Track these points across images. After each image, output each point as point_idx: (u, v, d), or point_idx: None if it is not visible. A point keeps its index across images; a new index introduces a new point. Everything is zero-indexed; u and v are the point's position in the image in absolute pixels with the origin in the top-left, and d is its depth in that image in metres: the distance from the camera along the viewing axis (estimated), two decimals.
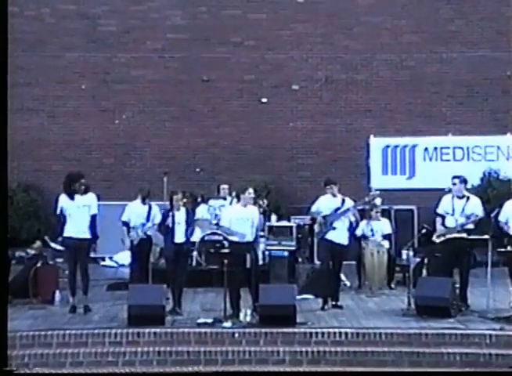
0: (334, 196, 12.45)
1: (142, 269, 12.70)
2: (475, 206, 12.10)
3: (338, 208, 12.34)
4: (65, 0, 18.80)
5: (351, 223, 12.55)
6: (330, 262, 12.34)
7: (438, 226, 12.21)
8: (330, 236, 12.29)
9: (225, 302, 11.26)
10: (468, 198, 12.15)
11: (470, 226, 12.06)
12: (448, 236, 12.03)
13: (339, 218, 12.28)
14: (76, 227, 11.72)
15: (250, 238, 11.75)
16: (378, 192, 12.90)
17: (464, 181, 12.27)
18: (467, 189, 12.58)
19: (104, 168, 18.45)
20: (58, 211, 11.84)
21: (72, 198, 11.74)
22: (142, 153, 18.72)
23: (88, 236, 11.81)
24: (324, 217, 12.35)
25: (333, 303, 12.32)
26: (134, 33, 18.80)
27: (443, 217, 12.18)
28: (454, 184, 12.20)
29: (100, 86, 18.74)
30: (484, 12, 18.50)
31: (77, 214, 11.74)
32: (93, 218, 11.87)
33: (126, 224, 12.87)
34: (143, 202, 12.97)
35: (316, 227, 12.65)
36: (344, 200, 12.42)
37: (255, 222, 11.83)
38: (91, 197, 11.93)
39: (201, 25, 18.80)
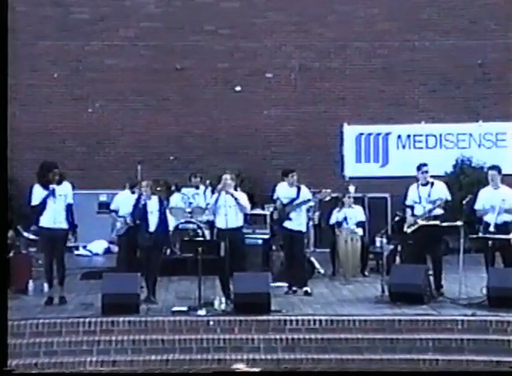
0: (291, 185, 12.49)
1: (131, 258, 12.65)
2: (440, 190, 12.23)
3: (294, 199, 12.40)
4: None
5: (308, 210, 12.67)
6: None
7: (408, 217, 12.31)
8: (287, 224, 12.40)
9: (200, 290, 11.28)
10: (432, 184, 12.26)
11: (439, 211, 12.16)
12: (419, 222, 12.12)
13: (295, 210, 12.36)
14: (52, 217, 11.64)
15: (233, 224, 11.79)
16: (329, 190, 12.91)
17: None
18: (439, 176, 12.71)
19: (77, 157, 18.36)
20: (34, 202, 11.71)
21: (47, 188, 11.66)
22: (115, 141, 18.65)
23: (64, 225, 11.73)
24: (283, 205, 12.42)
25: (304, 290, 12.39)
26: (107, 21, 18.69)
27: (412, 207, 12.29)
28: (426, 171, 12.29)
29: (73, 74, 18.63)
30: (456, 0, 18.59)
31: (53, 204, 11.66)
32: (69, 207, 11.79)
33: (114, 212, 12.90)
34: (132, 191, 12.96)
35: (275, 214, 12.74)
36: (299, 189, 12.46)
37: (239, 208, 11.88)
38: (66, 187, 11.85)
39: (175, 13, 18.73)
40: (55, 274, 11.83)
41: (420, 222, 12.13)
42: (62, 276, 11.84)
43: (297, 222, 12.42)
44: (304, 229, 12.60)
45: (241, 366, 10.23)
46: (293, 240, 12.42)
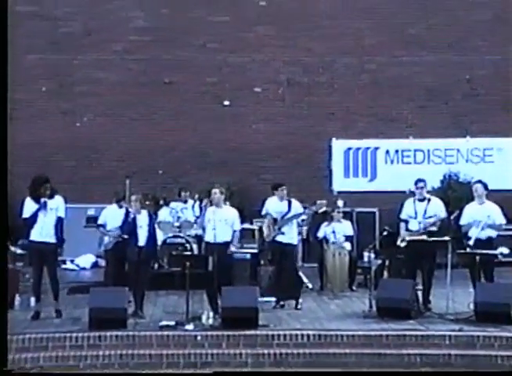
0: (281, 199, 12.51)
1: (119, 273, 12.66)
2: (437, 207, 12.25)
3: (285, 213, 12.41)
4: (26, 1, 18.66)
5: (299, 224, 12.75)
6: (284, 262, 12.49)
7: (402, 231, 12.32)
8: (279, 238, 12.43)
9: (188, 305, 11.26)
10: (429, 200, 12.28)
11: (434, 228, 12.17)
12: (407, 238, 12.15)
13: (287, 224, 12.38)
14: (43, 231, 11.62)
15: (222, 239, 11.77)
16: (325, 201, 12.94)
17: (425, 184, 12.44)
18: (428, 192, 12.77)
19: (66, 171, 18.31)
20: (25, 215, 11.68)
21: (38, 202, 11.65)
22: (104, 155, 18.64)
23: (53, 240, 11.69)
24: (274, 220, 12.43)
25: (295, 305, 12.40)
26: (95, 35, 18.72)
27: (407, 221, 12.30)
28: (422, 187, 12.32)
29: (61, 88, 18.63)
30: (443, 16, 18.70)
31: (44, 217, 11.64)
32: (59, 220, 11.76)
33: (102, 226, 12.90)
34: (119, 206, 12.97)
35: (265, 229, 12.69)
36: (290, 203, 12.48)
37: (229, 223, 11.84)
38: (58, 200, 11.83)
39: (163, 27, 18.79)
40: (50, 288, 11.79)
41: (407, 237, 12.15)
42: (56, 290, 11.82)
43: (289, 235, 12.43)
44: (295, 242, 12.63)
45: None
46: (284, 253, 12.41)
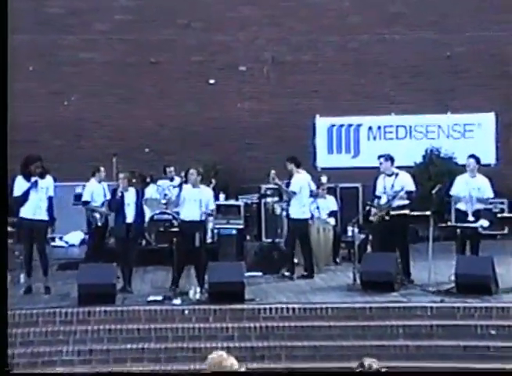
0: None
1: (99, 249, 12.91)
2: (403, 181, 12.41)
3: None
4: None
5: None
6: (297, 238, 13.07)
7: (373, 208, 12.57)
8: (290, 212, 12.98)
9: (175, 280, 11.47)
10: (397, 175, 12.46)
11: (402, 202, 12.32)
12: (373, 210, 12.39)
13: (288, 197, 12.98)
14: (33, 209, 11.81)
15: (197, 217, 11.96)
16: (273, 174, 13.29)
17: (390, 159, 12.57)
18: (410, 167, 12.96)
19: (54, 150, 18.36)
20: (16, 193, 11.86)
21: (28, 180, 11.82)
22: (91, 134, 18.68)
23: (45, 217, 11.93)
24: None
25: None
26: (81, 14, 18.69)
27: (379, 197, 12.53)
28: (380, 163, 12.56)
29: (48, 68, 18.65)
30: None
31: (35, 196, 11.82)
32: (50, 200, 12.00)
33: (87, 203, 13.09)
34: (98, 181, 13.19)
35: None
36: (290, 178, 13.06)
37: (204, 204, 12.07)
38: (48, 180, 12.05)
39: (148, 7, 18.78)
40: (40, 265, 12.00)
41: (374, 210, 12.37)
42: (45, 266, 12.06)
43: (293, 210, 12.94)
44: (303, 217, 13.07)
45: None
46: (293, 228, 12.99)
